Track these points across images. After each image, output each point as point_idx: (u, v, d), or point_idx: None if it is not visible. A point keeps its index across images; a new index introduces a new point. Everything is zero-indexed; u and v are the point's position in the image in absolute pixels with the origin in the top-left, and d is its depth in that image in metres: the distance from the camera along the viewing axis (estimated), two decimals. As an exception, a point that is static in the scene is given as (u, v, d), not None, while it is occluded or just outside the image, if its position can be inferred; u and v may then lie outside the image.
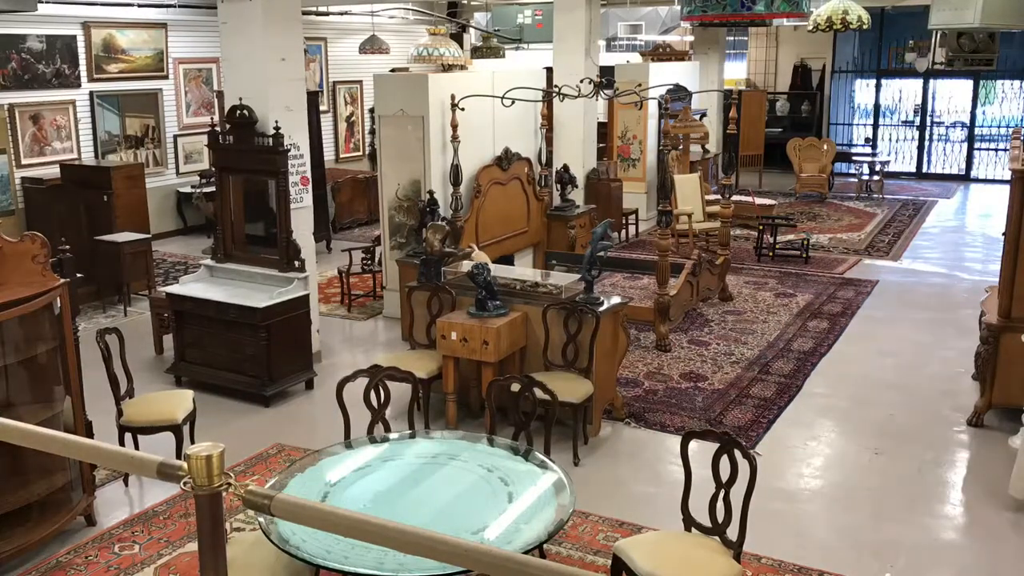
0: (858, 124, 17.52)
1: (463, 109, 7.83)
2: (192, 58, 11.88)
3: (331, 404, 4.67)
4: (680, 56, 15.34)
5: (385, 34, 13.94)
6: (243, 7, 6.57)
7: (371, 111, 13.76)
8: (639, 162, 12.23)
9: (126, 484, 5.19)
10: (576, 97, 8.05)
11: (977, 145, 16.55)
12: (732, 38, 17.27)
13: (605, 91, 8.80)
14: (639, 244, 11.30)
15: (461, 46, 14.79)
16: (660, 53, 15.30)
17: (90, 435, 4.88)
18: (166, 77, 11.61)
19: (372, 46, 13.19)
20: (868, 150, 16.48)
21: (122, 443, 5.04)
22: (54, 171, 9.88)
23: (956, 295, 8.92)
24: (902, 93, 17.27)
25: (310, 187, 7.05)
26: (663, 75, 12.05)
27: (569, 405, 5.30)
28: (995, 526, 4.74)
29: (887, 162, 15.88)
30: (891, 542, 4.55)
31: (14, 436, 2.05)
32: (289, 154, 6.55)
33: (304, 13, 7.75)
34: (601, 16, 12.65)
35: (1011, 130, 13.57)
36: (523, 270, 7.94)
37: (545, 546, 3.93)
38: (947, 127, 16.99)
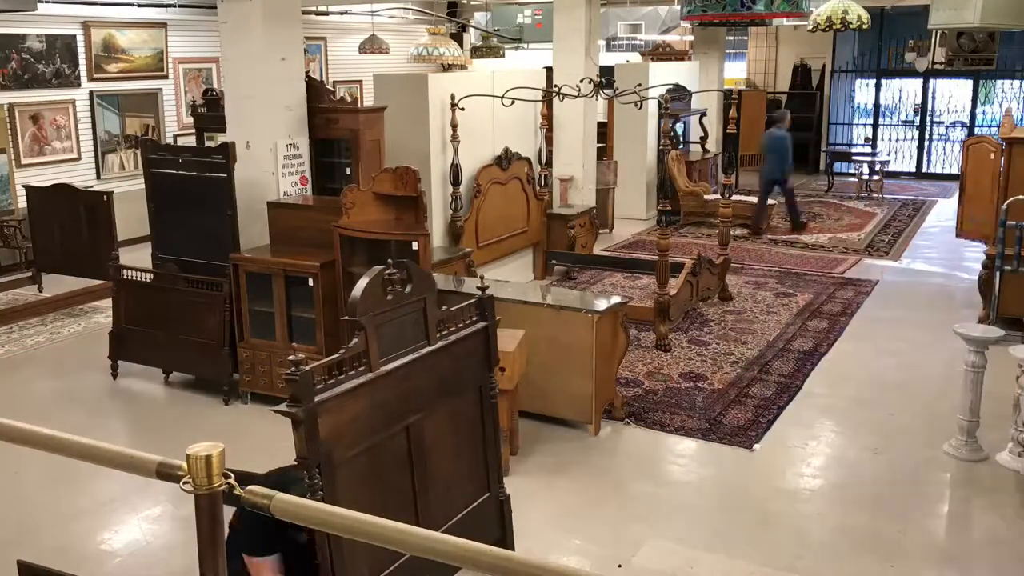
0: (858, 124, 17.53)
1: (463, 109, 7.83)
2: (192, 58, 11.87)
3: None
4: (680, 56, 15.35)
5: (385, 34, 13.94)
6: (243, 6, 6.57)
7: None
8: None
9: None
10: (576, 97, 8.05)
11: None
12: (732, 38, 17.27)
13: (605, 91, 8.80)
14: (639, 244, 11.30)
15: (461, 46, 14.81)
16: (660, 53, 15.32)
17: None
18: (166, 77, 11.61)
19: (372, 46, 13.19)
20: (868, 149, 16.47)
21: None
22: (55, 176, 9.90)
23: (956, 295, 8.92)
24: (902, 93, 17.28)
25: (310, 186, 7.05)
26: (663, 75, 12.05)
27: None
28: (995, 525, 4.74)
29: (887, 161, 15.88)
30: (891, 542, 4.55)
31: (14, 436, 2.05)
32: (290, 154, 6.56)
33: (304, 12, 7.74)
34: (601, 16, 12.65)
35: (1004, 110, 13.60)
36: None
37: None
38: (947, 127, 17.00)
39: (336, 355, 3.29)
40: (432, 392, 3.69)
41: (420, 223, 5.72)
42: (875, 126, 17.24)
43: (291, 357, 3.11)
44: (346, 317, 3.38)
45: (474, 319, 3.96)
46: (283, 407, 3.12)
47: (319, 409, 3.11)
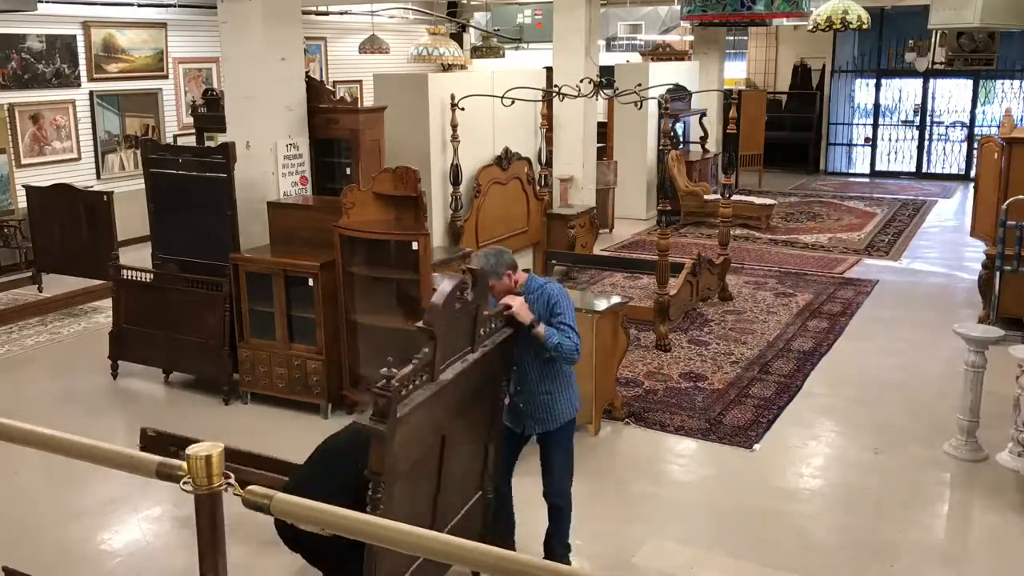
0: (858, 124, 17.53)
1: (463, 109, 7.83)
2: (192, 58, 11.87)
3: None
4: (680, 56, 15.35)
5: (385, 34, 13.94)
6: (243, 6, 6.57)
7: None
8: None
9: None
10: (576, 97, 8.05)
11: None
12: (732, 38, 17.28)
13: (605, 91, 8.80)
14: (639, 244, 11.30)
15: (461, 46, 14.81)
16: (660, 53, 15.32)
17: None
18: (166, 77, 11.61)
19: (372, 46, 13.19)
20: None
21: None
22: (55, 176, 9.89)
23: (956, 295, 8.92)
24: (902, 93, 17.28)
25: (310, 186, 7.05)
26: (663, 75, 12.05)
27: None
28: (995, 525, 4.74)
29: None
30: (891, 542, 4.55)
31: (14, 436, 2.05)
32: (290, 154, 6.57)
33: (304, 12, 7.74)
34: (601, 16, 12.65)
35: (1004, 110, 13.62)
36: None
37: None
38: (947, 127, 17.00)
39: (412, 366, 3.16)
40: (467, 399, 3.66)
41: (420, 223, 5.72)
42: (875, 126, 17.25)
43: (383, 371, 2.97)
44: (419, 324, 3.27)
45: (503, 324, 3.89)
46: (367, 421, 2.98)
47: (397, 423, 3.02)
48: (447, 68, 12.64)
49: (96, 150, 10.85)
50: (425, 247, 5.65)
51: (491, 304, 3.82)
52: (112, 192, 8.62)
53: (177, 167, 6.57)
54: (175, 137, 11.70)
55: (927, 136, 16.96)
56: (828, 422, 6.06)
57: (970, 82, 16.31)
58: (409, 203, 5.75)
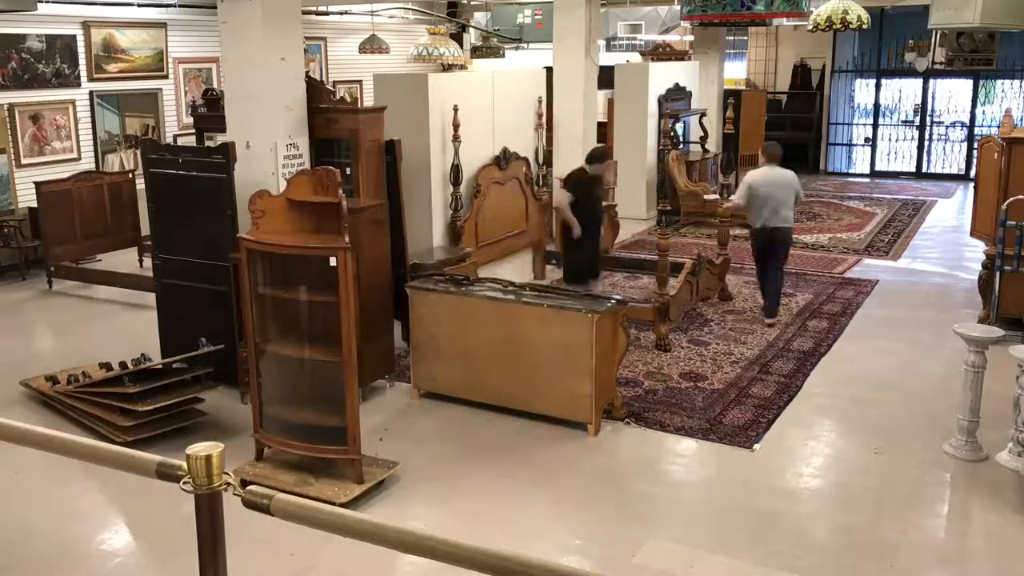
0: (858, 124, 17.54)
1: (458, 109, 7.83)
2: (192, 58, 11.88)
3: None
4: (680, 56, 15.36)
5: (385, 34, 13.94)
6: (243, 6, 6.56)
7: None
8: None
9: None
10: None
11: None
12: (732, 38, 17.28)
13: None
14: (639, 244, 11.30)
15: (461, 46, 14.82)
16: (660, 53, 15.33)
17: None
18: (166, 77, 11.61)
19: (372, 46, 13.20)
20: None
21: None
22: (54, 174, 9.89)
23: (956, 295, 8.92)
24: (902, 93, 17.28)
25: (310, 187, 7.04)
26: (663, 75, 12.06)
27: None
28: (995, 525, 4.74)
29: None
30: (891, 542, 4.55)
31: (14, 436, 2.05)
32: (290, 154, 6.56)
33: (304, 12, 7.74)
34: (601, 16, 12.66)
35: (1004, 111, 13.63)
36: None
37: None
38: (947, 127, 17.00)
39: None
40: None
41: (341, 234, 4.83)
42: (875, 126, 17.25)
43: None
44: None
45: None
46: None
47: None
48: (447, 68, 12.64)
49: (96, 150, 10.84)
50: (346, 264, 4.70)
51: None
52: (135, 169, 8.58)
53: (177, 167, 6.57)
54: (175, 137, 11.70)
55: (927, 136, 16.97)
56: (828, 422, 6.06)
57: (970, 82, 16.32)
58: (332, 210, 4.94)
